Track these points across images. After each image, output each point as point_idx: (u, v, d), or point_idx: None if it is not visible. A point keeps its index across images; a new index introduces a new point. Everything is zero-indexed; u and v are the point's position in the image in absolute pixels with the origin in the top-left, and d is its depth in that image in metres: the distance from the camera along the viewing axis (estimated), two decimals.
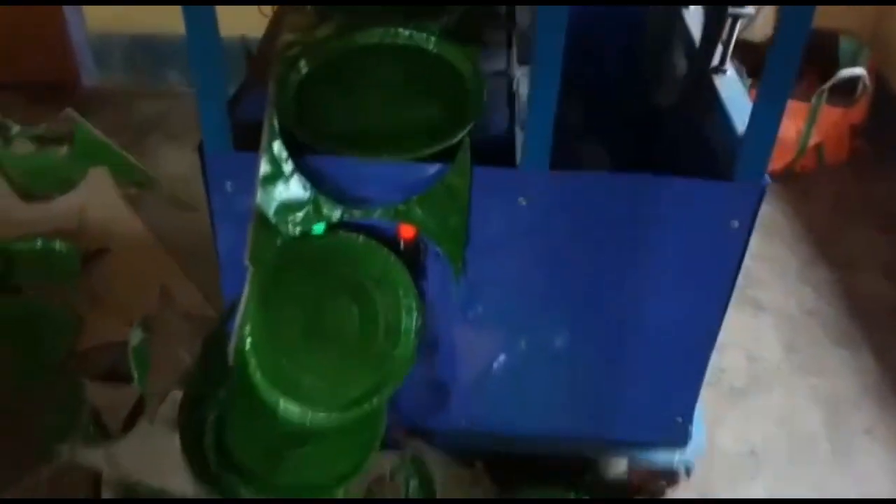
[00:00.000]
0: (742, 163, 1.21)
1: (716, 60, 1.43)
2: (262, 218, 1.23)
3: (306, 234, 1.26)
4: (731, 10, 1.36)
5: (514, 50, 1.41)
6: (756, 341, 2.05)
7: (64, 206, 2.21)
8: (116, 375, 1.73)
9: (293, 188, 1.22)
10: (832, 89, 2.54)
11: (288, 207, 1.23)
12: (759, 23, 2.83)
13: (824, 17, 2.72)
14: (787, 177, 2.61)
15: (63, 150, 2.42)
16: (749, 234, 1.28)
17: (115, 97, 2.83)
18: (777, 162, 2.61)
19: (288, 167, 1.21)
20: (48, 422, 1.60)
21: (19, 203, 2.22)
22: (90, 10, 2.79)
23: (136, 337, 1.49)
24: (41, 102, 2.65)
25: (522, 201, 1.26)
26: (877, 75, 2.67)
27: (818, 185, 2.60)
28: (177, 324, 1.53)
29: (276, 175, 1.22)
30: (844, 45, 2.75)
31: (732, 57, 1.44)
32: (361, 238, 1.28)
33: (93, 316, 1.92)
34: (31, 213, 2.19)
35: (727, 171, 1.24)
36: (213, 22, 1.13)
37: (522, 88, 1.27)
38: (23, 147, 2.40)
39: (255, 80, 1.31)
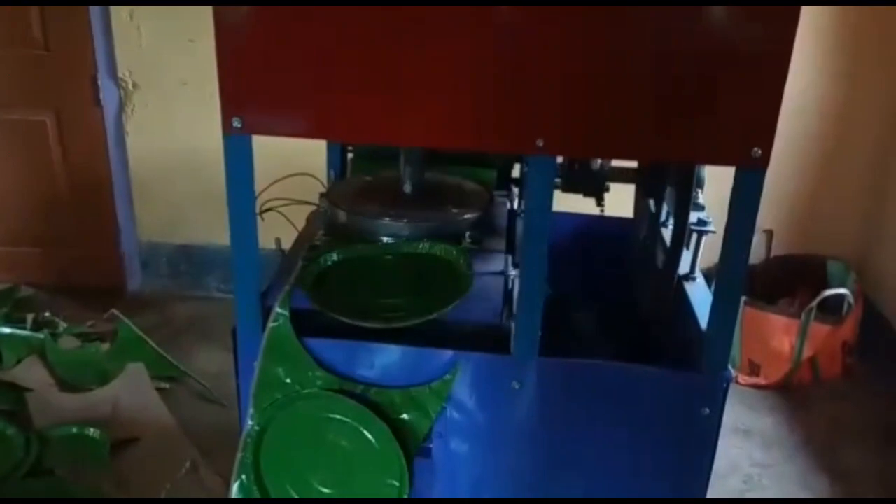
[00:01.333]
0: (706, 356, 1.37)
1: (687, 269, 1.63)
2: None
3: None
4: (694, 227, 1.58)
5: (511, 256, 1.62)
6: None
7: (100, 397, 2.39)
8: None
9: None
10: (824, 309, 2.74)
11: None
12: (752, 247, 3.08)
13: (815, 243, 3.00)
14: (785, 389, 2.74)
15: (104, 346, 2.64)
16: (720, 421, 1.41)
17: (156, 300, 3.08)
18: (774, 374, 2.76)
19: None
20: None
21: (59, 393, 2.40)
22: (142, 220, 3.10)
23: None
24: (89, 303, 2.89)
25: (516, 385, 1.42)
26: (865, 298, 2.87)
27: (815, 398, 2.72)
28: (200, 491, 1.64)
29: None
30: (832, 268, 2.97)
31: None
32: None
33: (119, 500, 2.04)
34: (70, 402, 2.36)
35: (698, 366, 1.40)
36: (252, 219, 1.36)
37: (518, 287, 1.46)
38: (68, 343, 2.61)
39: (285, 274, 1.51)
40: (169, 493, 1.63)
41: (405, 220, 1.58)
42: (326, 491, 1.47)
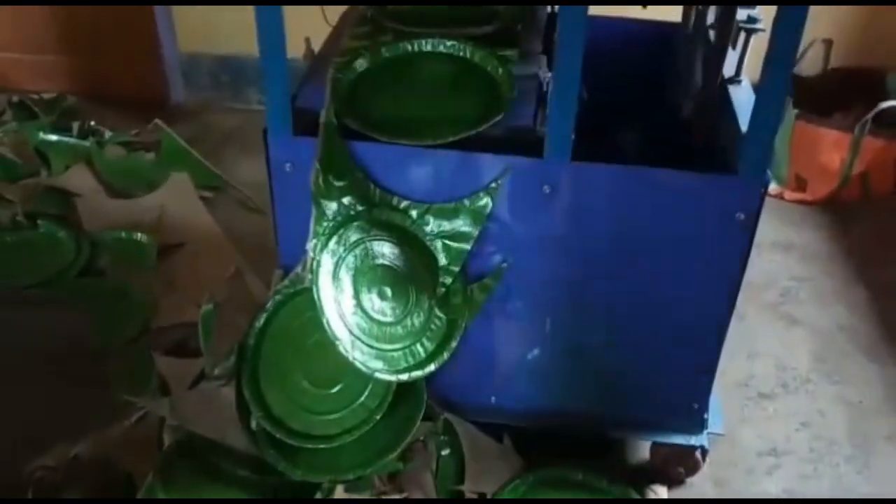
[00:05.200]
0: (744, 159, 1.33)
1: (732, 71, 1.56)
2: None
3: None
4: (742, 25, 1.49)
5: (548, 58, 1.56)
6: (787, 352, 2.12)
7: (146, 204, 2.44)
8: (184, 351, 1.92)
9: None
10: (880, 123, 2.62)
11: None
12: (808, 57, 2.95)
13: (874, 55, 2.85)
14: (831, 205, 2.68)
15: (149, 155, 2.67)
16: (754, 227, 1.39)
17: (198, 112, 3.08)
18: (821, 190, 2.70)
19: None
20: (123, 386, 1.77)
21: (107, 199, 2.46)
22: (181, 31, 3.05)
23: (207, 305, 1.66)
24: (132, 114, 2.90)
25: (546, 189, 1.40)
26: None
27: (861, 214, 2.66)
28: (242, 296, 1.70)
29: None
30: (892, 81, 2.83)
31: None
32: None
33: (166, 300, 2.12)
34: (117, 208, 2.42)
35: (735, 170, 1.36)
36: (279, 21, 1.32)
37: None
38: (114, 151, 2.65)
39: (315, 76, 1.48)
40: (213, 297, 1.68)
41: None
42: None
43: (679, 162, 1.39)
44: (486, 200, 1.41)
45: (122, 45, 3.04)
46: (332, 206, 1.43)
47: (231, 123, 3.00)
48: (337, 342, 1.47)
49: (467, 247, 1.44)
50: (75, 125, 2.70)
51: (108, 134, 2.70)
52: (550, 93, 1.34)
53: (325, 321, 1.47)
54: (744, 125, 1.38)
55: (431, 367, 1.51)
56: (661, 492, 1.66)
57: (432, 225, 1.44)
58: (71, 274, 2.15)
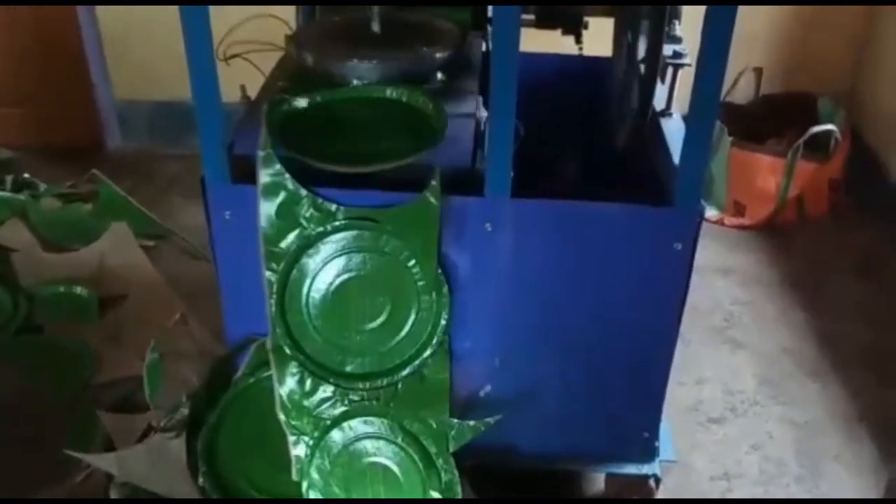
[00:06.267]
0: (679, 190, 1.36)
1: (663, 105, 1.59)
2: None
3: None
4: (669, 60, 1.53)
5: (483, 98, 1.58)
6: (733, 376, 2.16)
7: (85, 256, 2.39)
8: (129, 407, 1.88)
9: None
10: (812, 147, 2.71)
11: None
12: (740, 86, 3.04)
13: (804, 81, 2.94)
14: (770, 229, 2.75)
15: (87, 206, 2.62)
16: (692, 255, 1.41)
17: (136, 159, 3.04)
18: (759, 214, 2.76)
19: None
20: (66, 445, 1.72)
21: (44, 253, 2.41)
22: (116, 78, 3.02)
23: (151, 355, 1.63)
24: (68, 164, 2.86)
25: (488, 227, 1.41)
26: (853, 134, 2.83)
27: (799, 237, 2.74)
28: (188, 345, 1.68)
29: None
30: (823, 106, 2.92)
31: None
32: None
33: (109, 353, 2.08)
34: (55, 262, 2.37)
35: (671, 200, 1.39)
36: (212, 69, 1.32)
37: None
38: (49, 204, 2.60)
39: (252, 122, 1.48)
40: (157, 347, 1.65)
41: (374, 62, 1.53)
42: None
43: (617, 192, 1.41)
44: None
45: (56, 94, 3.00)
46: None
47: (172, 170, 2.97)
48: None
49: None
50: (8, 178, 2.65)
51: (42, 186, 2.66)
52: (487, 131, 1.35)
53: None
54: (676, 157, 1.41)
55: None
56: None
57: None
58: (9, 331, 2.09)
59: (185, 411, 1.51)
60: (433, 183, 1.36)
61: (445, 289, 1.45)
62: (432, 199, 1.37)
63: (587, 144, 1.71)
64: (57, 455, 1.69)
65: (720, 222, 2.78)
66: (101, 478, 1.63)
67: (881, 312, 2.36)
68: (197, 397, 1.53)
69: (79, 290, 2.24)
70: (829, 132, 2.73)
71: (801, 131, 2.72)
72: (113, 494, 1.50)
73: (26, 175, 2.69)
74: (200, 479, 1.46)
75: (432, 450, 1.53)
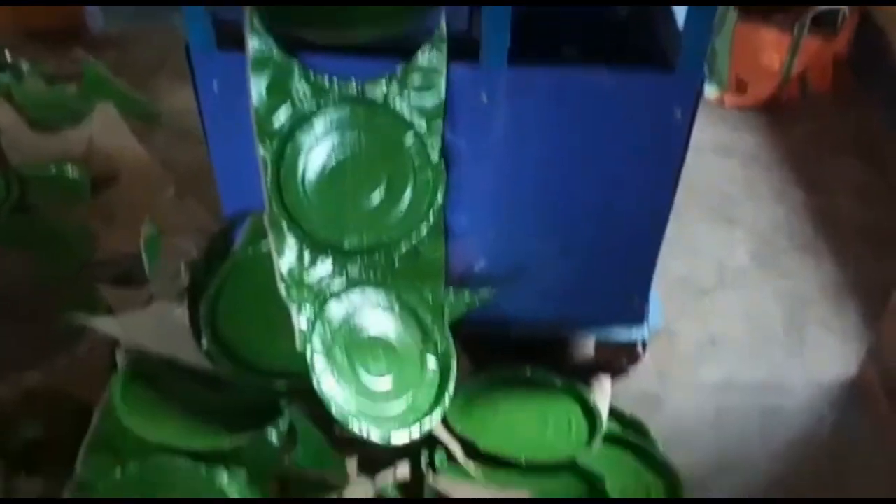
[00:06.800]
0: (681, 56, 1.33)
1: None
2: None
3: None
4: None
5: None
6: (726, 251, 2.18)
7: (73, 136, 2.35)
8: (128, 282, 1.89)
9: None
10: (817, 22, 2.65)
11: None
12: None
13: None
14: (772, 108, 2.72)
15: (72, 87, 2.57)
16: (691, 123, 1.40)
17: (120, 41, 2.96)
18: (762, 91, 2.73)
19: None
20: (67, 318, 1.73)
21: (31, 132, 2.37)
22: None
23: (148, 229, 1.63)
24: (50, 46, 2.79)
25: (484, 98, 1.39)
26: (861, 12, 2.76)
27: (801, 115, 2.71)
28: (184, 220, 1.67)
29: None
30: None
31: None
32: None
33: (105, 233, 2.08)
34: (43, 142, 2.33)
35: (672, 67, 1.37)
36: None
37: None
38: (34, 85, 2.54)
39: None
40: (154, 221, 1.65)
41: None
42: None
43: (617, 63, 1.38)
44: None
45: None
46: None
47: (158, 52, 2.89)
48: (349, 420, 1.44)
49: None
50: None
51: (25, 67, 2.59)
52: None
53: (332, 407, 1.44)
54: (680, 23, 1.38)
55: (438, 414, 1.53)
56: (606, 383, 1.71)
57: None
58: (2, 212, 2.08)
59: (185, 280, 1.52)
60: (438, 34, 1.33)
61: (442, 164, 1.44)
62: (438, 52, 1.34)
63: (588, 14, 1.66)
64: (62, 326, 1.71)
65: (720, 103, 2.75)
66: (104, 350, 1.65)
67: (880, 191, 2.36)
68: (196, 267, 1.54)
69: (70, 170, 2.22)
70: (836, 9, 2.66)
71: (808, 7, 2.66)
72: (119, 361, 1.51)
73: (8, 55, 2.62)
74: (204, 345, 1.48)
75: (428, 321, 1.55)
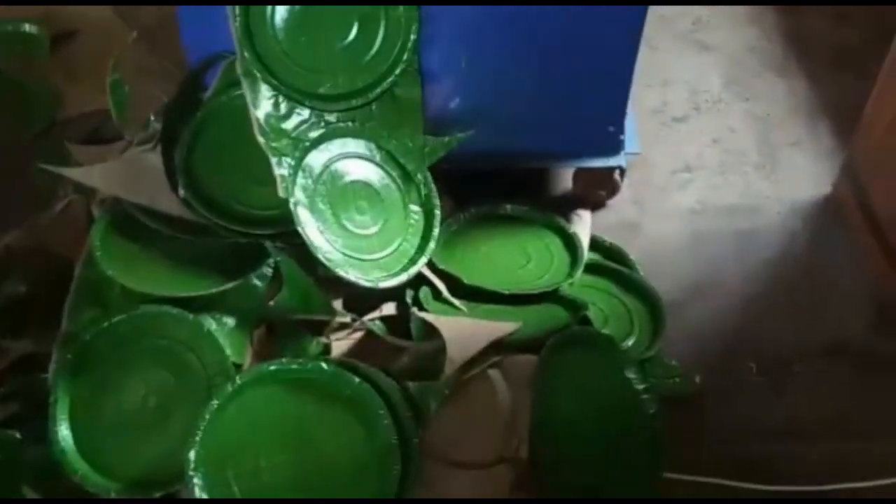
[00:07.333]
0: None
1: None
2: None
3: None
4: None
5: None
6: (699, 77, 2.17)
7: None
8: (97, 140, 1.86)
9: None
10: None
11: None
12: None
13: None
14: None
15: None
16: None
17: None
18: None
19: None
20: (42, 173, 1.71)
21: None
22: None
23: (113, 74, 1.59)
24: None
25: None
26: None
27: None
28: (150, 63, 1.63)
29: None
30: None
31: None
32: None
33: (69, 91, 2.03)
34: None
35: None
36: None
37: None
38: None
39: None
40: (118, 64, 1.60)
41: None
42: None
43: None
44: None
45: None
46: None
47: None
48: (337, 269, 1.43)
49: None
50: None
51: None
52: None
53: (320, 256, 1.42)
54: None
55: (423, 259, 1.53)
56: (585, 215, 1.74)
57: None
58: None
59: (157, 126, 1.50)
60: None
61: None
62: None
63: None
64: (36, 185, 1.70)
65: None
66: (80, 206, 1.64)
67: (855, 10, 2.32)
68: (169, 112, 1.52)
69: (27, 27, 2.14)
70: None
71: None
72: (96, 213, 1.51)
73: None
74: (181, 192, 1.48)
75: (409, 167, 1.56)
